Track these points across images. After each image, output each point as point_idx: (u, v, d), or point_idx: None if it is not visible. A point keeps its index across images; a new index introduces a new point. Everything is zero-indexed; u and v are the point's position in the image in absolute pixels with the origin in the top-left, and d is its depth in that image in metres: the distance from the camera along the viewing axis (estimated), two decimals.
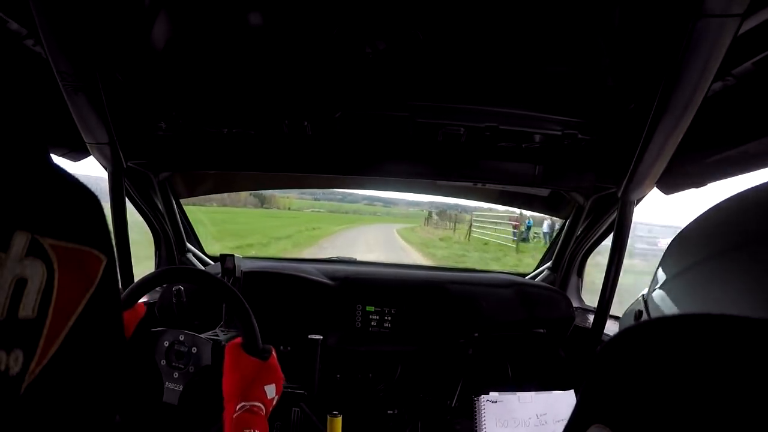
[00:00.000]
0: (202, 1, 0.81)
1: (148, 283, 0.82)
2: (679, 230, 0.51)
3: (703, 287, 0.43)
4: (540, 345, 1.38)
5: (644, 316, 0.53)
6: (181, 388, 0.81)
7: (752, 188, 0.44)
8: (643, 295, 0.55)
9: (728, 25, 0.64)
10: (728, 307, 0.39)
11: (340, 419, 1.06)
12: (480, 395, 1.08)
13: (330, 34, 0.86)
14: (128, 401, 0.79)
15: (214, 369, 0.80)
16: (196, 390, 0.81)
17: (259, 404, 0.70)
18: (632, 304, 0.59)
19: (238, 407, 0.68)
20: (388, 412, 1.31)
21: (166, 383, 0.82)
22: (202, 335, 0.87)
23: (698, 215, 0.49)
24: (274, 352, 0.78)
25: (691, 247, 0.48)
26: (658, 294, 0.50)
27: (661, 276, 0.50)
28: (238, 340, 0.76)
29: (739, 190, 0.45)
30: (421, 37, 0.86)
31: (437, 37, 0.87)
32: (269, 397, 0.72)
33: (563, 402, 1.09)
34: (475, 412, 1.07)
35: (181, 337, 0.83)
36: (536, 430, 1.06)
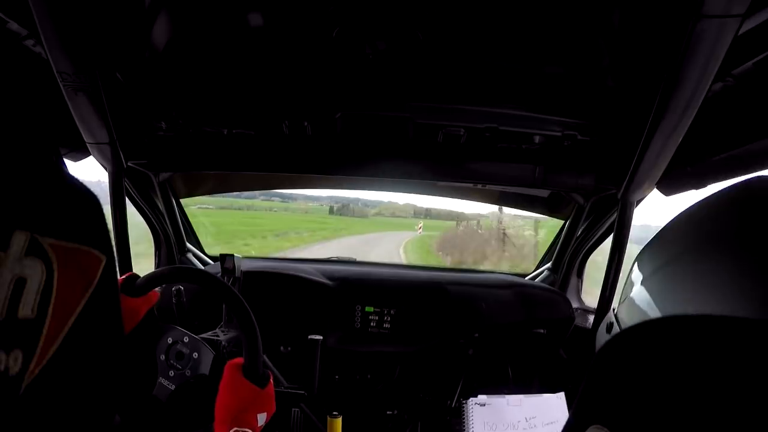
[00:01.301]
0: (202, 1, 0.81)
1: (165, 276, 0.81)
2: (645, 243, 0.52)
3: (664, 292, 0.44)
4: (540, 346, 1.38)
5: (615, 328, 0.54)
6: (173, 388, 0.81)
7: (718, 192, 0.45)
8: (614, 309, 0.56)
9: (728, 25, 0.64)
10: (692, 307, 0.39)
11: (339, 420, 1.06)
12: (468, 398, 1.07)
13: (330, 35, 0.86)
14: (122, 388, 0.79)
15: (210, 381, 0.80)
16: (187, 395, 0.81)
17: (249, 431, 0.71)
18: (606, 318, 0.60)
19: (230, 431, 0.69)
20: (388, 412, 1.31)
21: (160, 378, 0.81)
22: (202, 335, 0.87)
23: (662, 227, 0.50)
24: (272, 381, 0.78)
25: (651, 255, 0.49)
26: (624, 306, 0.51)
27: (627, 290, 0.51)
28: (240, 360, 0.75)
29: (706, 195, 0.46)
30: (421, 38, 0.86)
31: (437, 38, 0.87)
32: (259, 424, 0.73)
33: (553, 405, 1.09)
34: (463, 414, 1.07)
35: (186, 339, 0.83)
36: None
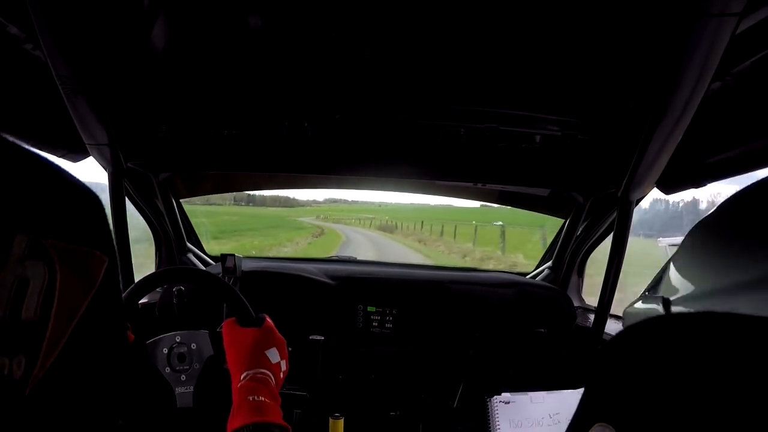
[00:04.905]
0: (201, 2, 0.81)
1: (146, 284, 0.81)
2: (697, 224, 0.41)
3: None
4: (541, 345, 1.38)
5: None
6: (192, 389, 0.80)
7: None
8: (662, 301, 0.44)
9: (726, 24, 0.65)
10: None
11: (342, 422, 1.06)
12: (492, 396, 1.06)
13: (329, 37, 0.86)
14: (139, 414, 0.78)
15: (218, 357, 0.81)
16: (207, 384, 0.81)
17: (264, 370, 0.68)
18: (636, 305, 0.52)
19: (242, 376, 0.66)
20: (390, 413, 1.31)
21: (176, 389, 0.80)
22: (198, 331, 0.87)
23: (718, 206, 0.39)
24: (268, 318, 0.77)
25: (720, 252, 0.37)
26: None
27: (685, 285, 0.40)
28: (232, 318, 0.75)
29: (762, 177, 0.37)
30: (421, 39, 0.86)
31: (436, 39, 0.87)
32: (274, 361, 0.70)
33: (576, 401, 1.09)
34: (488, 413, 1.06)
35: (178, 339, 0.82)
36: (549, 429, 1.05)
